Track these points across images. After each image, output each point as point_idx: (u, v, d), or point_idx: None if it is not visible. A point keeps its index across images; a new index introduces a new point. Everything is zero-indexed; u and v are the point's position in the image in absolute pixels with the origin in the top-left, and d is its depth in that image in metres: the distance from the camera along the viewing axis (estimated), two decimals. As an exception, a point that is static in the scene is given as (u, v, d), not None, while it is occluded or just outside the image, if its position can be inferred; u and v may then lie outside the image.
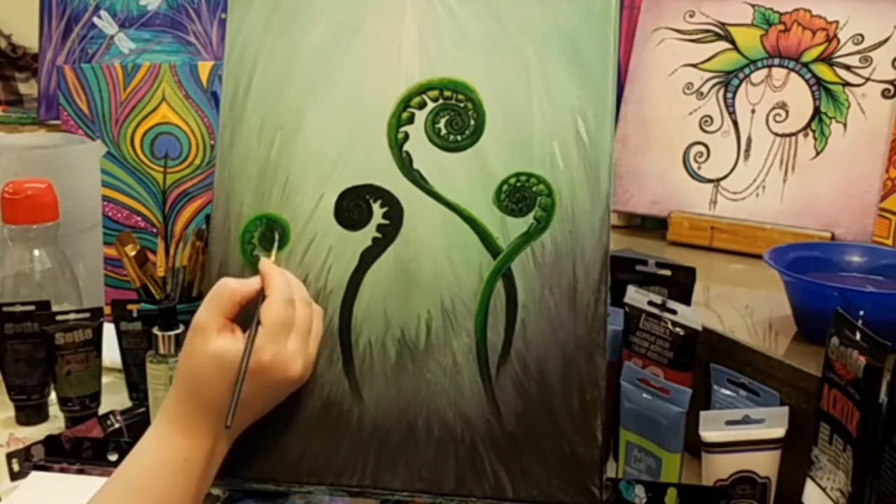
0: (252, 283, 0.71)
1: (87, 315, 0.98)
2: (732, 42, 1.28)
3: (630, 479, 0.74)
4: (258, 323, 0.68)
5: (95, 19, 1.64)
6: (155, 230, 1.25)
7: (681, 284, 0.86)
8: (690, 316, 0.80)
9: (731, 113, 1.26)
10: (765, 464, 0.76)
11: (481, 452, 0.71)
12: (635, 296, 0.83)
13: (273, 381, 0.69)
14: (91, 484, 0.80)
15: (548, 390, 0.71)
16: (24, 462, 0.84)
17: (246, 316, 0.70)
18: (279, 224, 0.76)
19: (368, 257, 0.75)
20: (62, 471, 0.82)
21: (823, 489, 0.71)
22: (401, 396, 0.73)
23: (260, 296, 0.70)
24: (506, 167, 0.74)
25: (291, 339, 0.69)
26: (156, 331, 0.89)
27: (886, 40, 1.18)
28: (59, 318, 0.97)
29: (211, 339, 0.68)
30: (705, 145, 1.27)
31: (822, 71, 1.21)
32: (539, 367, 0.72)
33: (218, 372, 0.67)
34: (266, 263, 0.73)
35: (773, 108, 1.24)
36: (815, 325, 0.84)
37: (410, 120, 0.76)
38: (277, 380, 0.69)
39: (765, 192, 1.22)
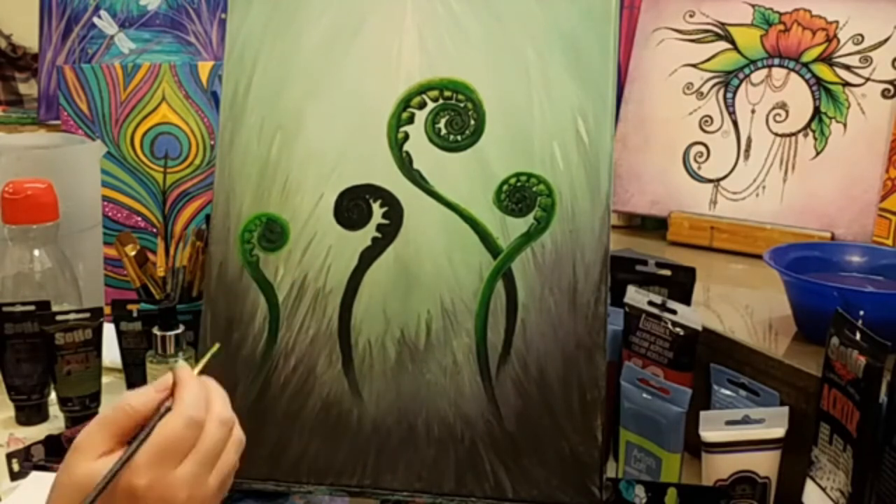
0: (157, 397, 0.58)
1: (87, 315, 0.98)
2: (732, 42, 1.28)
3: (630, 479, 0.74)
4: (147, 433, 0.56)
5: (95, 19, 1.64)
6: (155, 230, 1.25)
7: (681, 284, 0.86)
8: (690, 316, 0.80)
9: (731, 113, 1.26)
10: (765, 464, 0.76)
11: (481, 452, 0.71)
12: (635, 296, 0.83)
13: None
14: (91, 484, 0.80)
15: (548, 390, 0.71)
16: (24, 462, 0.84)
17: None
18: (278, 224, 0.76)
19: (368, 257, 0.75)
20: (62, 471, 0.82)
21: (823, 489, 0.71)
22: (401, 396, 0.73)
23: (163, 408, 0.58)
24: (506, 167, 0.74)
25: (185, 465, 0.56)
26: (156, 331, 0.89)
27: (886, 40, 1.18)
28: (59, 318, 0.97)
29: (88, 460, 0.55)
30: (705, 145, 1.27)
31: (822, 71, 1.21)
32: (539, 367, 0.72)
33: (78, 500, 0.54)
34: (184, 370, 0.60)
35: (773, 108, 1.24)
36: (815, 325, 0.84)
37: (410, 120, 0.76)
38: None
39: (765, 192, 1.22)
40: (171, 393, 0.58)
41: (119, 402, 0.57)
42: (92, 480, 0.54)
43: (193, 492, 0.57)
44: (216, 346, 0.65)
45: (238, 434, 0.61)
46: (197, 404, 0.58)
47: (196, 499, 0.57)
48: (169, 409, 0.58)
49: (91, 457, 0.55)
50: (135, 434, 0.57)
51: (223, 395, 0.61)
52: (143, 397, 0.58)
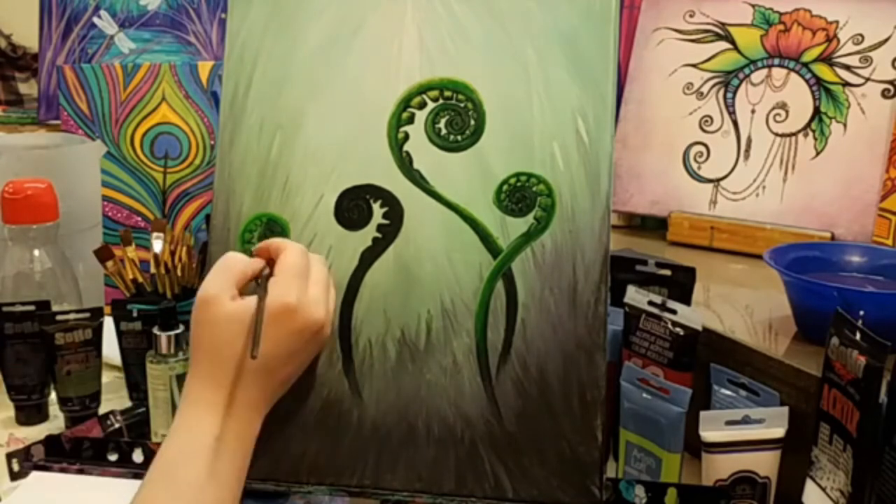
0: (258, 261, 0.70)
1: (87, 315, 0.98)
2: (732, 42, 1.28)
3: (630, 479, 0.74)
4: (269, 276, 0.68)
5: (95, 19, 1.64)
6: (155, 230, 1.25)
7: (681, 284, 0.86)
8: (690, 316, 0.80)
9: (731, 113, 1.26)
10: (765, 464, 0.76)
11: (481, 452, 0.71)
12: (635, 296, 0.83)
13: (300, 325, 0.67)
14: (91, 484, 0.80)
15: (548, 390, 0.71)
16: (24, 462, 0.84)
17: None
18: (279, 224, 0.76)
19: (368, 257, 0.75)
20: (62, 471, 0.82)
21: (823, 489, 0.71)
22: (401, 396, 0.73)
23: (264, 270, 0.69)
24: (506, 167, 0.74)
25: (311, 287, 0.68)
26: (156, 331, 0.89)
27: (886, 40, 1.18)
28: (59, 318, 0.97)
29: (226, 305, 0.66)
30: (705, 145, 1.27)
31: (822, 71, 1.21)
32: (539, 367, 0.72)
33: (242, 333, 0.66)
34: (271, 240, 0.72)
35: (773, 108, 1.24)
36: (815, 325, 0.84)
37: (410, 120, 0.76)
38: (304, 324, 0.67)
39: (765, 192, 1.22)
40: (267, 260, 0.70)
41: (226, 257, 0.69)
42: (243, 314, 0.66)
43: (325, 308, 0.69)
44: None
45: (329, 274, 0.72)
46: (299, 245, 0.70)
47: (329, 313, 0.70)
48: (270, 270, 0.69)
49: (226, 301, 0.66)
50: (246, 285, 0.68)
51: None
52: (244, 256, 0.70)
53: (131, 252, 1.00)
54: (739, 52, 1.27)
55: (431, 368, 0.73)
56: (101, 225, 1.24)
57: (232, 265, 0.69)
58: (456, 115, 0.75)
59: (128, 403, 1.00)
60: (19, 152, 1.19)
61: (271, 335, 0.66)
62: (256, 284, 0.69)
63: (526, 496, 0.70)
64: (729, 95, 1.27)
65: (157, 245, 0.99)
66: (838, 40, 1.21)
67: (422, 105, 0.76)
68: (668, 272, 0.87)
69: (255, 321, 0.65)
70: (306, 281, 0.68)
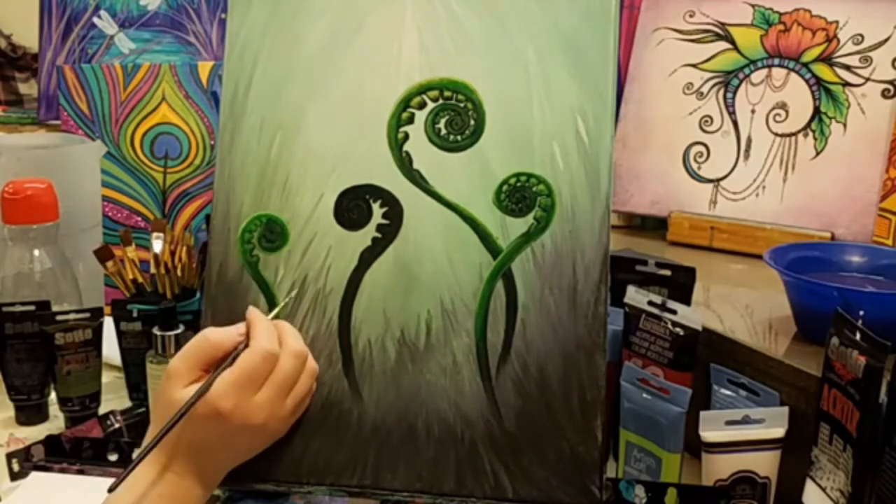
0: (235, 334, 0.69)
1: (87, 315, 0.98)
2: (732, 42, 1.28)
3: (630, 479, 0.74)
4: (226, 366, 0.67)
5: (95, 19, 1.64)
6: (155, 230, 1.25)
7: (681, 284, 0.86)
8: (690, 316, 0.80)
9: (731, 113, 1.26)
10: (765, 464, 0.76)
11: (481, 452, 0.71)
12: (635, 296, 0.83)
13: (230, 429, 0.66)
14: (91, 484, 0.80)
15: (548, 390, 0.71)
16: (24, 462, 0.84)
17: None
18: (278, 224, 0.76)
19: (368, 257, 0.75)
20: (62, 471, 0.83)
21: (823, 489, 0.71)
22: (401, 396, 0.73)
23: (242, 346, 0.68)
24: (506, 167, 0.74)
25: (263, 392, 0.67)
26: (156, 331, 0.89)
27: (886, 40, 1.18)
28: (59, 318, 0.97)
29: (180, 387, 0.67)
30: (705, 145, 1.27)
31: (822, 71, 1.21)
32: (539, 367, 0.72)
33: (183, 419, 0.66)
34: (253, 312, 0.70)
35: (773, 108, 1.24)
36: (815, 325, 0.84)
37: (410, 120, 0.76)
38: (236, 427, 0.67)
39: (765, 192, 1.22)
40: (248, 334, 0.68)
41: (200, 336, 0.68)
42: (181, 404, 0.65)
43: (270, 413, 0.68)
44: (290, 297, 0.74)
45: (311, 364, 0.71)
46: (270, 340, 0.68)
47: (273, 419, 0.68)
48: (246, 346, 0.67)
49: (181, 385, 0.67)
50: (215, 364, 0.67)
51: (295, 332, 0.71)
52: (222, 333, 0.69)
53: (131, 252, 1.00)
54: (739, 52, 1.27)
55: (431, 368, 0.73)
56: (101, 225, 1.24)
57: (201, 346, 0.68)
58: (456, 115, 0.75)
59: (128, 403, 1.00)
60: (19, 152, 1.19)
61: (198, 430, 0.66)
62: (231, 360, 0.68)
63: (526, 496, 0.70)
64: (729, 95, 1.27)
65: (157, 245, 0.99)
66: (838, 40, 1.21)
67: (422, 105, 0.76)
68: (668, 272, 0.87)
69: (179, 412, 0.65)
70: (258, 385, 0.67)
